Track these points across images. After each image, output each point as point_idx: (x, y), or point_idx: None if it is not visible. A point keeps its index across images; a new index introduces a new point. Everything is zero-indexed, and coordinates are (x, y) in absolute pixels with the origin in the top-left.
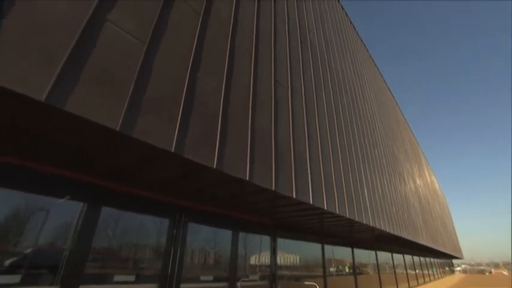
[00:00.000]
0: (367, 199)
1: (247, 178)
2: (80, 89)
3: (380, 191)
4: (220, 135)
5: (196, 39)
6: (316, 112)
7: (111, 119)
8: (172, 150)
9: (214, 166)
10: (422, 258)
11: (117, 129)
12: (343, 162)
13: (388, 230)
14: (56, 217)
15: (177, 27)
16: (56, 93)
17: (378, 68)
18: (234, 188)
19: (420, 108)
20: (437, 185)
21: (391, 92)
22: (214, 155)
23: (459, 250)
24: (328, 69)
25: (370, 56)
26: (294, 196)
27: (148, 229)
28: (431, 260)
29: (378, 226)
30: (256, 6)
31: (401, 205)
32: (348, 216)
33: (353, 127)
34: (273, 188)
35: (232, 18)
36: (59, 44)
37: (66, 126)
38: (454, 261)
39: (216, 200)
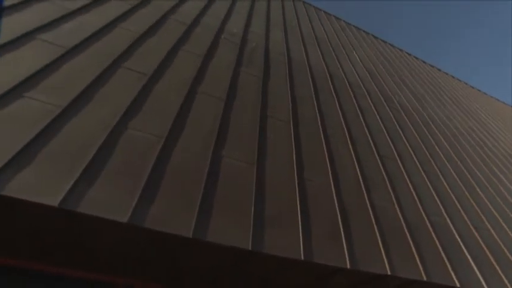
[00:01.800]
0: None
1: (389, 272)
2: (214, 221)
3: None
4: (344, 230)
5: (294, 149)
6: (439, 174)
7: (243, 241)
8: (302, 258)
9: (348, 266)
10: None
11: (250, 249)
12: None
13: None
14: None
15: (275, 145)
16: (199, 229)
17: (492, 96)
18: (376, 286)
19: None
20: None
21: None
22: (345, 254)
23: None
24: (430, 121)
25: (473, 87)
26: (459, 285)
27: None
28: None
29: None
30: (337, 101)
31: None
32: None
33: (497, 176)
34: (425, 279)
35: (319, 124)
36: (196, 189)
37: (203, 253)
38: None
39: None
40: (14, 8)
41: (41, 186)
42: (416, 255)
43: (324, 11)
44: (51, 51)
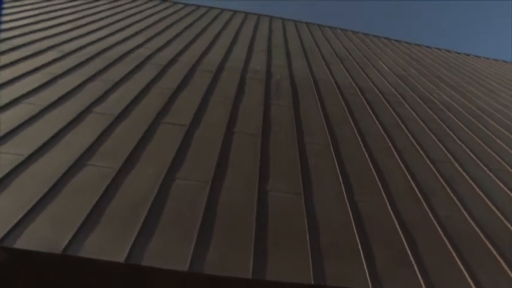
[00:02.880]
0: None
1: None
2: (271, 258)
3: None
4: (410, 250)
5: (339, 171)
6: (508, 167)
7: (303, 275)
8: (370, 287)
9: None
10: None
11: (312, 283)
12: None
13: None
14: None
15: (319, 171)
16: (257, 268)
17: None
18: None
19: None
20: None
21: None
22: (418, 278)
23: None
24: (481, 113)
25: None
26: None
27: None
28: None
29: None
30: (373, 114)
31: None
32: None
33: None
34: None
35: (360, 141)
36: (248, 228)
37: None
38: None
39: None
40: (71, 92)
41: (107, 245)
42: (510, 272)
43: (339, 28)
44: (103, 120)
